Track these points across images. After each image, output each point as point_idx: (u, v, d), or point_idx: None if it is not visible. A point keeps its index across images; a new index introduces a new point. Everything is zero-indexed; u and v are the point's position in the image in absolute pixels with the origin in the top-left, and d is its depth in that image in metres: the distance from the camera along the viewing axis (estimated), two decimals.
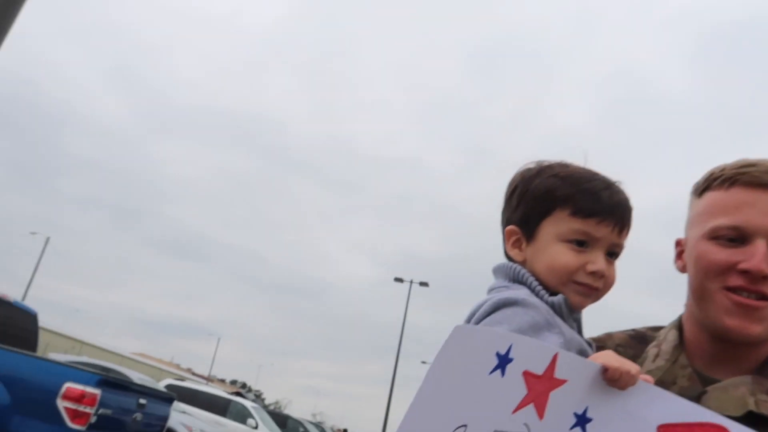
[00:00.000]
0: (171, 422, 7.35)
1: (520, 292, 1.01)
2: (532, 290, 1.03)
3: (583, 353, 1.00)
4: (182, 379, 20.04)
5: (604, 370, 0.85)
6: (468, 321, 1.01)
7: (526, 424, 0.80)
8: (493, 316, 0.96)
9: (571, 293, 1.03)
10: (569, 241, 1.03)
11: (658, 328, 1.25)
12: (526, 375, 0.83)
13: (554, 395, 0.84)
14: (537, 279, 1.04)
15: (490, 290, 1.08)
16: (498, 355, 0.83)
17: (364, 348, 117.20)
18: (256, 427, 15.12)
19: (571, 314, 1.04)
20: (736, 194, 1.08)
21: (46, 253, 35.05)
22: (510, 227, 1.11)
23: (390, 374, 26.36)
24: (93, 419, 5.09)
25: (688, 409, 0.85)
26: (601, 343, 1.22)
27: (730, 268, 1.06)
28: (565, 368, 0.84)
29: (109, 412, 5.31)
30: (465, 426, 0.82)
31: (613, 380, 0.84)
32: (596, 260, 1.02)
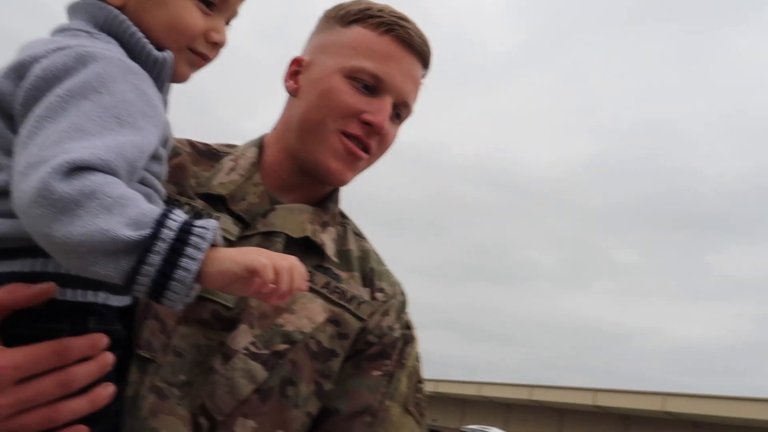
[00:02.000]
0: None
1: (107, 47, 0.76)
2: (133, 44, 0.80)
3: (167, 143, 0.83)
4: None
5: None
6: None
7: None
8: (74, 81, 0.70)
9: (182, 62, 0.85)
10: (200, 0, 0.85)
11: (234, 146, 1.18)
12: None
13: None
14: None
15: (58, 32, 0.80)
16: None
17: None
18: None
19: (167, 86, 0.86)
20: (389, 45, 1.04)
21: None
22: None
23: None
24: None
25: None
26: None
27: (354, 115, 1.03)
28: None
29: None
30: None
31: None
32: (220, 29, 0.87)
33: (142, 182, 0.75)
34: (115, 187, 0.64)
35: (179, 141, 1.10)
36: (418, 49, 1.05)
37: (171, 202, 0.95)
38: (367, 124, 1.02)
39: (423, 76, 1.10)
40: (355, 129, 1.03)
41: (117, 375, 0.77)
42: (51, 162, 0.62)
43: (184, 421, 0.87)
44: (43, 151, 0.64)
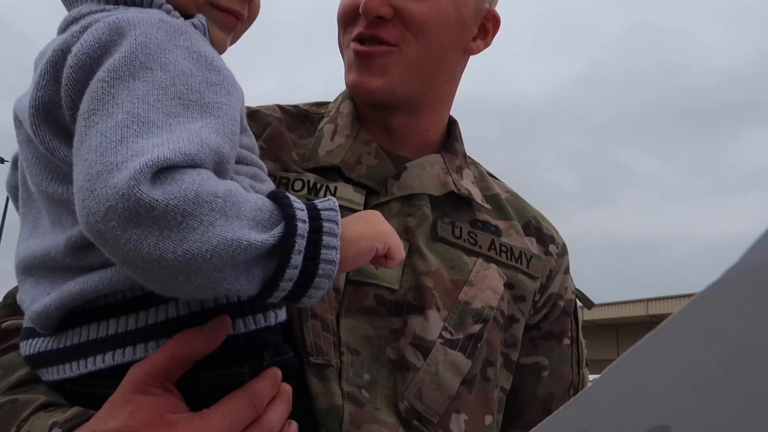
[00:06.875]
0: None
1: (139, 10, 0.64)
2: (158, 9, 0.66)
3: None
4: None
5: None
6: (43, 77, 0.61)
7: None
8: (115, 57, 0.57)
9: (211, 24, 0.71)
10: None
11: (324, 104, 1.03)
12: None
13: None
14: None
15: (73, 21, 0.65)
16: None
17: None
18: None
19: None
20: None
21: None
22: None
23: None
24: None
25: None
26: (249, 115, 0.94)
27: (355, 14, 0.88)
28: None
29: None
30: None
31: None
32: None
33: (242, 162, 0.67)
34: (215, 183, 0.53)
35: (266, 108, 0.98)
36: None
37: (279, 181, 0.87)
38: (363, 13, 0.86)
39: None
40: (358, 28, 0.88)
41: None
42: (125, 170, 0.49)
43: (391, 429, 0.77)
44: (106, 156, 0.50)
